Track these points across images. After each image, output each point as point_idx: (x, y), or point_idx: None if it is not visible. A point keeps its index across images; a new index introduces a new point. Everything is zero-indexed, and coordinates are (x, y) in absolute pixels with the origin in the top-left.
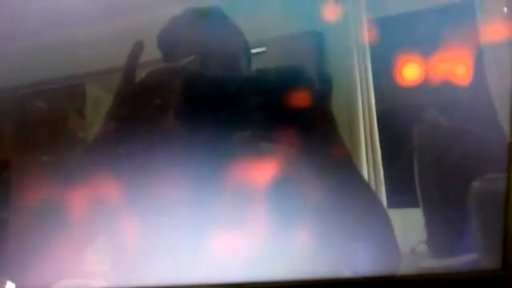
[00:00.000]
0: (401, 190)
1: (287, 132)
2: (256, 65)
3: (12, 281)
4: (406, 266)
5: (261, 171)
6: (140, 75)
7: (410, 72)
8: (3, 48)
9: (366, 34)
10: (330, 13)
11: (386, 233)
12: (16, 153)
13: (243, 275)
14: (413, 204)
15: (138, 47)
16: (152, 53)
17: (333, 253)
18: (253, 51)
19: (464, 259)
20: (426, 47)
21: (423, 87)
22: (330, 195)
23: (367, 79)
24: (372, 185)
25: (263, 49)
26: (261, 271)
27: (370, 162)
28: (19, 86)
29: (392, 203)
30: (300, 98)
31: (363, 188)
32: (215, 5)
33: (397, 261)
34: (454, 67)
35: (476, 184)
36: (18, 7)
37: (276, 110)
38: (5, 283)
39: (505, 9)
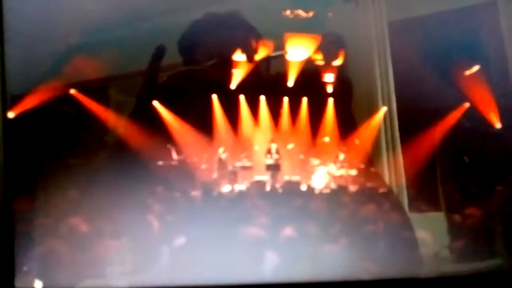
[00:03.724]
0: (424, 195)
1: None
2: (275, 67)
3: (40, 279)
4: (429, 271)
5: None
6: (162, 78)
7: (430, 73)
8: (30, 53)
9: (387, 36)
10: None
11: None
12: (43, 157)
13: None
14: (436, 208)
15: (160, 51)
16: (173, 57)
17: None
18: (272, 54)
19: (487, 264)
20: (448, 48)
21: (446, 88)
22: None
23: (388, 81)
24: (394, 189)
25: (282, 52)
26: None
27: (391, 166)
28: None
29: (414, 208)
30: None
31: None
32: (234, 9)
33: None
34: (477, 68)
35: (499, 188)
36: (45, 13)
37: None
38: (33, 281)
39: None
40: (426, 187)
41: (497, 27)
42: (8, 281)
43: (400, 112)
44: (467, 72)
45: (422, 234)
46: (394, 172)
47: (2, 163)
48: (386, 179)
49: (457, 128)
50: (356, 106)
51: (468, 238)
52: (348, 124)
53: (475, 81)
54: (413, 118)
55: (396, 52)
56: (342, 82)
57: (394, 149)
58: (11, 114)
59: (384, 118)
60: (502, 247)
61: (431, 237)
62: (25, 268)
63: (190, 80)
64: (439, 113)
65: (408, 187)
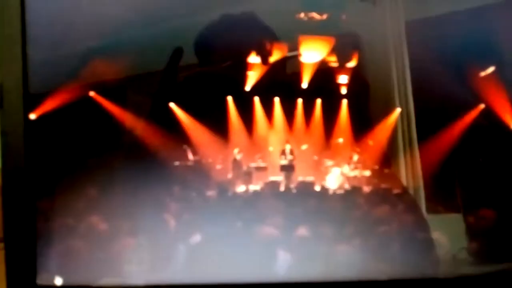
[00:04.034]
0: (441, 196)
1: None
2: (289, 69)
3: (60, 276)
4: (446, 272)
5: None
6: (179, 79)
7: (447, 73)
8: (52, 55)
9: (404, 35)
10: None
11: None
12: (63, 157)
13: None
14: (454, 209)
15: (177, 53)
16: (190, 58)
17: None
18: (288, 54)
19: (506, 266)
20: (466, 47)
21: (464, 87)
22: None
23: (405, 81)
24: (411, 190)
25: (296, 53)
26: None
27: (409, 167)
28: (69, 92)
29: (431, 209)
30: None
31: None
32: (250, 11)
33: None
34: (493, 68)
35: None
36: (65, 16)
37: None
38: (54, 278)
39: None
40: (443, 189)
41: None
42: (30, 278)
43: (417, 113)
44: (484, 73)
45: (440, 236)
46: (411, 173)
47: (24, 164)
48: (403, 180)
49: (473, 129)
50: (372, 107)
51: (486, 240)
52: (364, 125)
53: (491, 82)
54: (430, 119)
55: (413, 52)
56: (359, 83)
57: (411, 150)
58: (32, 116)
59: (401, 119)
60: None
61: (448, 238)
62: (45, 266)
63: (206, 81)
64: (456, 114)
65: (425, 188)
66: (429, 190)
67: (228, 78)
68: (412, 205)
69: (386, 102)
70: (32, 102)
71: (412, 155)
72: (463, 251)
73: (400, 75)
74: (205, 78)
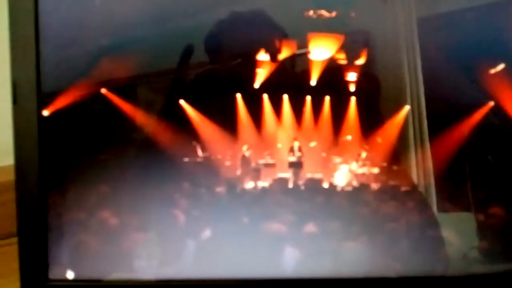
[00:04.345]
0: (453, 194)
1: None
2: (298, 66)
3: (72, 270)
4: (456, 271)
5: None
6: (189, 76)
7: (459, 70)
8: (64, 53)
9: (415, 32)
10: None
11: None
12: (75, 153)
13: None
14: (465, 208)
15: (188, 51)
16: (200, 56)
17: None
18: (297, 52)
19: None
20: (477, 45)
21: (475, 85)
22: None
23: (416, 78)
24: (422, 188)
25: (305, 50)
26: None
27: (420, 165)
28: (81, 90)
29: (443, 208)
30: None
31: None
32: (259, 8)
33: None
34: (504, 65)
35: None
36: (78, 14)
37: None
38: (65, 273)
39: None
40: (454, 187)
41: None
42: (43, 272)
43: (428, 110)
44: (495, 70)
45: (450, 234)
46: (422, 171)
47: (36, 160)
48: (414, 178)
49: (483, 127)
50: (383, 105)
51: (497, 239)
52: (376, 122)
53: (502, 79)
54: (440, 117)
55: (425, 49)
56: (370, 79)
57: (422, 148)
58: (45, 112)
59: (413, 116)
60: None
61: (459, 237)
62: (58, 261)
63: (215, 79)
64: (466, 111)
65: (436, 187)
66: (439, 188)
67: (237, 75)
68: (421, 203)
69: (397, 100)
70: (45, 99)
71: (423, 153)
72: (474, 250)
73: (412, 72)
74: (214, 75)
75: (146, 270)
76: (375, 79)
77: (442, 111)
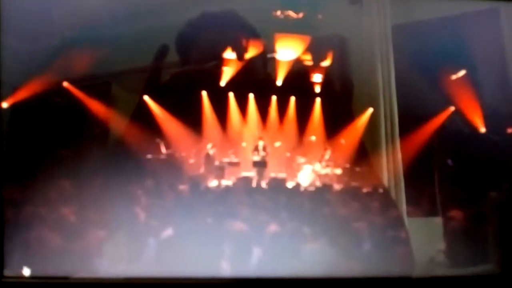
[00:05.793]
0: (420, 199)
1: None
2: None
3: (28, 267)
4: (421, 273)
5: None
6: (164, 76)
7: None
8: (27, 45)
9: (390, 39)
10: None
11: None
12: (35, 147)
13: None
14: (433, 213)
15: (164, 50)
16: (174, 56)
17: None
18: (269, 55)
19: (481, 269)
20: (449, 53)
21: (447, 92)
22: None
23: (390, 84)
24: (393, 193)
25: (273, 54)
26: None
27: (391, 170)
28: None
29: (412, 212)
30: None
31: None
32: (231, 8)
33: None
34: (476, 73)
35: (493, 194)
36: (43, 6)
37: None
38: (22, 270)
39: None
40: (423, 192)
41: (498, 33)
42: None
43: (401, 115)
44: (459, 76)
45: (418, 238)
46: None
47: None
48: (384, 180)
49: (456, 132)
50: (356, 107)
51: (462, 243)
52: (342, 124)
53: (464, 85)
54: (408, 120)
55: (398, 55)
56: (343, 82)
57: (394, 152)
58: (4, 104)
59: (385, 119)
60: (495, 252)
61: (426, 241)
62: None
63: (182, 77)
64: (431, 116)
65: (406, 192)
66: (409, 193)
67: (203, 73)
68: (385, 204)
69: (371, 102)
70: (5, 91)
71: (394, 159)
72: (441, 254)
73: (385, 76)
74: (181, 73)
75: (105, 268)
76: (350, 81)
77: (413, 116)
